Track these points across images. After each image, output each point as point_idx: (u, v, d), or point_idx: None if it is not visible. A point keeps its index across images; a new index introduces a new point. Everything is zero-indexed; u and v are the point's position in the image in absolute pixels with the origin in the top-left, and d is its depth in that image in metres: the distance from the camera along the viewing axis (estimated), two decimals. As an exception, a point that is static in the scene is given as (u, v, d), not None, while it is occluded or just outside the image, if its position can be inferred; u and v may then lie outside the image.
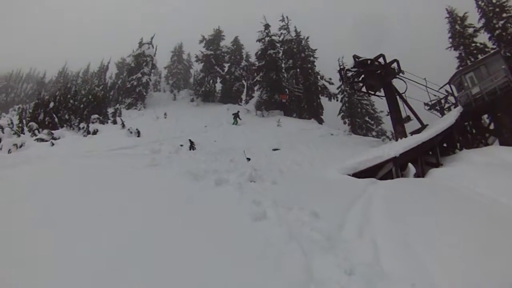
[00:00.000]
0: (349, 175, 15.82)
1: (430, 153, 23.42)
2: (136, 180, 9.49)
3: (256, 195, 9.21)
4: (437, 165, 21.81)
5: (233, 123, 39.33)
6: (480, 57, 36.63)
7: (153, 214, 6.82)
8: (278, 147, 26.22)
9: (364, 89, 34.17)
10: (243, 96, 65.06)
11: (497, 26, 37.72)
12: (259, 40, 56.85)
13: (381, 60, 30.55)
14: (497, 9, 38.62)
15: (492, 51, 34.50)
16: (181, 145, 20.45)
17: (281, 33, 60.10)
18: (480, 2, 40.63)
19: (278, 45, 57.23)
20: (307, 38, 60.69)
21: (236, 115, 41.07)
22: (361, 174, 15.97)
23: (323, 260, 5.97)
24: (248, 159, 18.20)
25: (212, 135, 28.32)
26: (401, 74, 31.11)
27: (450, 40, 43.25)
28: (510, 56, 34.99)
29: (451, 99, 34.70)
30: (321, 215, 8.23)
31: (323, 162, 20.26)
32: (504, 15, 37.90)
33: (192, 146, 21.00)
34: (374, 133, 56.37)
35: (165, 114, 41.02)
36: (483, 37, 40.99)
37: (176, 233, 6.14)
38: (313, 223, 7.71)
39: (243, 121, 41.37)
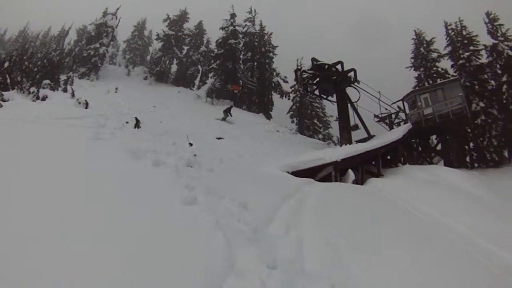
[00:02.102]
0: (289, 172, 15.98)
1: (373, 163, 24.10)
2: (74, 152, 9.42)
3: (191, 180, 9.19)
4: (378, 175, 22.55)
5: (222, 119, 36.92)
6: (439, 81, 37.64)
7: (81, 186, 6.80)
8: (222, 136, 26.30)
9: (317, 92, 35.05)
10: (196, 82, 64.33)
11: (462, 56, 38.67)
12: (222, 28, 56.57)
13: (339, 66, 31.20)
14: (466, 41, 39.62)
15: (452, 78, 36.38)
16: (127, 122, 20.04)
17: (246, 25, 60.05)
18: (450, 32, 41.62)
19: (241, 36, 57.46)
20: (270, 34, 61.02)
21: (228, 111, 38.18)
22: (300, 174, 16.11)
23: (247, 252, 5.95)
24: (191, 144, 18.06)
25: (159, 116, 27.69)
26: (356, 83, 31.78)
27: (412, 60, 44.17)
28: (469, 87, 36.08)
29: (402, 115, 35.91)
30: (252, 207, 8.33)
31: (265, 157, 20.56)
32: (471, 48, 38.93)
33: (137, 124, 20.68)
34: (320, 136, 57.04)
35: (116, 88, 39.89)
36: (445, 63, 42.03)
37: (101, 207, 6.11)
38: (242, 214, 7.77)
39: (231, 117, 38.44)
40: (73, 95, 27.75)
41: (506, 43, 36.63)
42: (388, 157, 28.82)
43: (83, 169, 7.96)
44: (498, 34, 37.73)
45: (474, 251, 10.48)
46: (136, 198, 6.99)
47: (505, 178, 26.70)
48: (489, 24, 38.82)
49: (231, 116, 37.13)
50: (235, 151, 20.25)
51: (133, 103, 30.68)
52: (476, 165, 36.54)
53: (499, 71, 36.53)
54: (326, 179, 17.43)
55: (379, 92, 34.57)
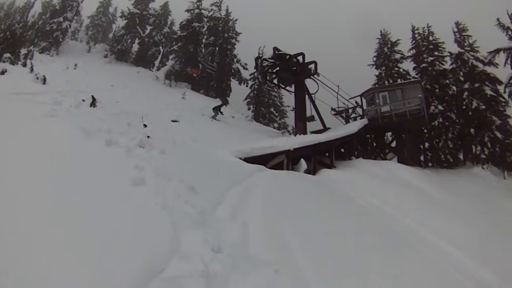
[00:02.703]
0: (241, 158, 15.92)
1: (327, 154, 24.47)
2: (27, 128, 9.22)
3: (141, 161, 9.11)
4: (331, 166, 23.00)
5: (212, 117, 34.23)
6: (399, 81, 38.71)
7: (29, 164, 6.73)
8: (178, 119, 25.99)
9: (276, 81, 35.45)
10: (156, 63, 63.57)
11: (426, 60, 39.40)
12: (188, 11, 56.17)
13: (300, 58, 31.42)
14: (431, 46, 40.38)
15: (413, 80, 37.38)
16: (83, 100, 19.76)
17: (212, 9, 59.56)
18: (416, 36, 42.54)
19: (205, 20, 57.23)
20: (235, 20, 60.84)
21: (218, 108, 35.91)
22: (253, 160, 16.08)
23: (192, 235, 5.94)
24: (145, 125, 17.84)
25: (116, 95, 27.06)
26: (316, 75, 32.27)
27: (375, 58, 45.04)
28: (429, 90, 36.96)
29: (359, 110, 36.86)
30: (200, 190, 8.30)
31: (218, 142, 20.44)
32: (436, 53, 39.70)
33: (94, 103, 20.28)
34: (276, 125, 57.29)
35: (75, 65, 39.07)
36: (408, 65, 43.00)
37: (47, 186, 6.06)
38: (189, 197, 7.71)
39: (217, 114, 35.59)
40: (32, 70, 27.30)
41: (472, 53, 37.75)
42: (342, 150, 29.40)
43: (34, 147, 7.85)
44: (465, 44, 38.83)
45: (420, 243, 10.96)
46: (84, 177, 6.88)
47: (457, 179, 27.81)
48: (457, 34, 39.89)
49: (222, 114, 35.81)
50: (189, 135, 19.98)
51: (91, 81, 30.29)
52: (430, 164, 37.56)
53: (462, 78, 37.54)
54: (278, 167, 17.53)
55: (338, 86, 35.35)
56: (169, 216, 6.27)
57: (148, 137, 13.07)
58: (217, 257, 5.53)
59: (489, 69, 36.65)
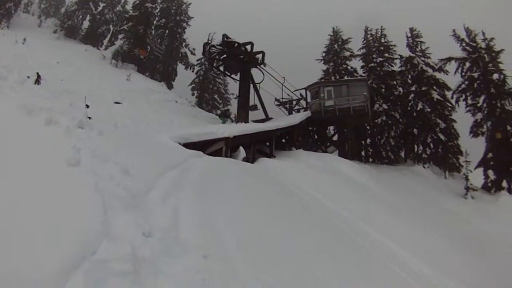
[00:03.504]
0: (180, 144, 15.77)
1: (267, 144, 24.92)
2: None
3: (79, 142, 8.83)
4: (270, 156, 23.40)
5: (222, 122, 34.56)
6: (346, 77, 39.98)
7: None
8: (121, 101, 26.10)
9: (222, 68, 35.53)
10: (105, 42, 62.37)
11: (375, 60, 40.36)
12: (142, -11, 54.78)
13: (249, 47, 31.46)
14: (382, 48, 41.44)
15: (360, 77, 38.64)
16: (28, 77, 19.56)
17: (167, -11, 58.40)
18: (369, 36, 43.66)
19: (159, 1, 56.73)
20: (189, 4, 60.02)
21: (224, 115, 37.66)
22: (191, 146, 16.07)
23: (123, 218, 5.88)
24: (87, 105, 17.63)
25: (61, 73, 26.60)
26: (262, 66, 32.50)
27: (324, 54, 45.80)
28: (375, 88, 38.26)
29: (304, 103, 37.69)
30: (134, 173, 8.28)
31: (160, 126, 20.59)
32: (386, 55, 40.76)
33: (38, 80, 20.10)
34: (218, 112, 56.41)
35: (24, 39, 38.03)
36: (356, 63, 44.19)
37: None
38: (123, 179, 7.65)
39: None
40: (-23, 44, 26.72)
41: (423, 58, 39.06)
42: (283, 140, 30.00)
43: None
44: (417, 49, 40.11)
45: (351, 230, 11.64)
46: (18, 156, 6.76)
47: (396, 176, 28.92)
48: (410, 39, 41.15)
49: (229, 118, 37.42)
50: (131, 117, 20.13)
51: (38, 57, 29.80)
52: (370, 160, 39.05)
53: (410, 81, 39.06)
54: (217, 154, 17.66)
55: (284, 77, 35.74)
56: (101, 198, 6.15)
57: (89, 118, 12.93)
58: (147, 241, 5.57)
59: (439, 75, 38.19)
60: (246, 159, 19.30)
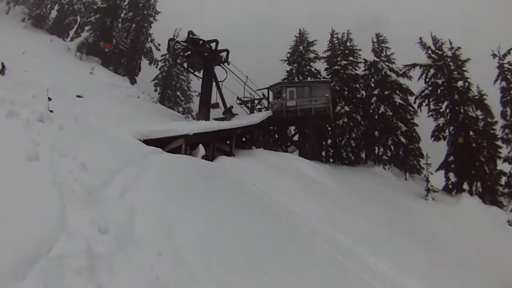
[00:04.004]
0: (140, 140, 15.82)
1: (227, 142, 25.08)
2: None
3: (39, 135, 8.84)
4: (230, 154, 23.47)
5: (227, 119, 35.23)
6: (309, 79, 40.26)
7: None
8: (83, 94, 25.71)
9: (186, 65, 35.64)
10: (71, 33, 61.35)
11: (339, 63, 40.71)
12: (111, -19, 53.90)
13: (213, 45, 31.35)
14: (347, 51, 41.91)
15: (323, 79, 39.40)
16: (-7, 67, 19.37)
17: (137, -18, 57.54)
18: (334, 40, 43.85)
19: (128, -6, 55.65)
20: (157, -1, 59.71)
21: (229, 112, 35.13)
22: (151, 142, 15.99)
23: (80, 214, 5.90)
24: (49, 98, 17.39)
25: (26, 64, 26.15)
26: (226, 64, 32.57)
27: (289, 55, 45.64)
28: (338, 91, 38.85)
29: (265, 102, 37.74)
30: (91, 169, 8.21)
31: (120, 121, 19.95)
32: (351, 58, 41.28)
33: (3, 70, 19.83)
34: (180, 109, 57.04)
35: None
36: (321, 65, 44.33)
37: None
38: (80, 174, 7.61)
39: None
40: None
41: (387, 63, 39.61)
42: (244, 139, 30.29)
43: None
44: (382, 55, 40.59)
45: (309, 230, 11.92)
46: None
47: (356, 176, 29.39)
48: (376, 44, 41.55)
49: (233, 114, 35.39)
50: (92, 112, 19.62)
51: (3, 46, 29.43)
52: (331, 160, 39.27)
53: (373, 85, 39.62)
54: (176, 151, 17.62)
55: (247, 77, 35.76)
56: (58, 193, 6.22)
57: (51, 111, 12.85)
58: (103, 237, 5.64)
59: (402, 80, 38.90)
60: (205, 157, 19.27)
